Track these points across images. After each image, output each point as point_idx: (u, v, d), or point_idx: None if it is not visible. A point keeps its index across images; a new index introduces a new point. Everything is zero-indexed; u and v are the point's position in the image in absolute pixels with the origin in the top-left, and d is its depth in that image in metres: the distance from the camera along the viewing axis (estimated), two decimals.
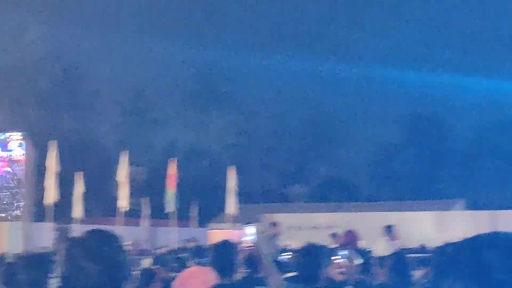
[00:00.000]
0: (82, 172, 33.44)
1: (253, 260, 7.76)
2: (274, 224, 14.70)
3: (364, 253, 9.66)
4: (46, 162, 30.94)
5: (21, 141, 30.44)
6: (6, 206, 30.08)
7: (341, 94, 72.50)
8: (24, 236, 28.58)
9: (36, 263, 5.95)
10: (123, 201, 32.03)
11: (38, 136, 41.30)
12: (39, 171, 34.56)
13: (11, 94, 60.42)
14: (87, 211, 36.65)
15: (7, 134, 31.44)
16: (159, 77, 78.10)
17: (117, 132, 68.45)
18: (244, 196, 56.78)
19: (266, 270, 5.97)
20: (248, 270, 8.62)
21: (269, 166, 69.93)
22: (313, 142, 69.87)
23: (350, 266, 5.67)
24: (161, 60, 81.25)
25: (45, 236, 31.18)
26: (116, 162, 38.71)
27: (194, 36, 75.19)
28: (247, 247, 5.49)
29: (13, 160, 30.24)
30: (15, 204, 30.18)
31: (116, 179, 34.57)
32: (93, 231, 2.78)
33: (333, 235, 18.91)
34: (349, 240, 13.00)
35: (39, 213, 36.07)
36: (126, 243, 2.83)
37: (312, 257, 5.37)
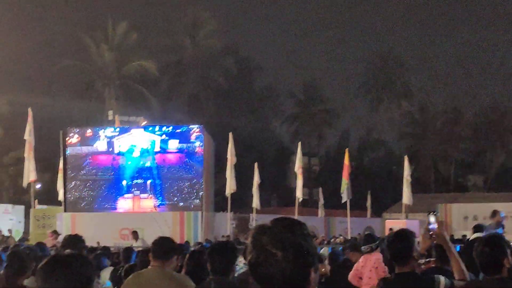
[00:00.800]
0: (257, 163, 34.00)
1: (435, 249, 7.60)
2: (494, 214, 14.57)
3: None
4: (224, 153, 31.76)
5: (199, 133, 31.38)
6: (187, 196, 31.10)
7: None
8: (204, 224, 29.46)
9: (219, 250, 6.09)
10: (299, 191, 32.35)
11: (215, 128, 42.52)
12: (217, 162, 35.58)
13: (188, 88, 62.57)
14: (264, 200, 37.26)
15: (187, 127, 32.51)
16: (332, 68, 78.32)
17: (291, 123, 69.23)
18: (419, 185, 55.94)
19: (450, 259, 5.83)
20: (428, 260, 8.46)
21: (444, 155, 68.33)
22: (489, 131, 67.53)
23: None
24: (333, 51, 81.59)
25: (225, 225, 32.05)
26: (291, 152, 39.14)
27: (366, 27, 75.13)
28: (428, 236, 5.39)
29: (192, 152, 31.21)
30: (195, 194, 31.13)
31: (293, 169, 34.90)
32: (280, 218, 2.83)
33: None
34: None
35: (218, 203, 37.13)
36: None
37: (492, 246, 5.25)
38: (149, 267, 6.59)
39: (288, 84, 70.74)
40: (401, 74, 72.00)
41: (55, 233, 21.66)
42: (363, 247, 11.01)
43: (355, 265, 10.90)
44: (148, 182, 31.08)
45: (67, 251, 4.65)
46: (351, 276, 10.76)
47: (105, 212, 29.94)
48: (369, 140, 71.17)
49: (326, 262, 8.59)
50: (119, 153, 31.48)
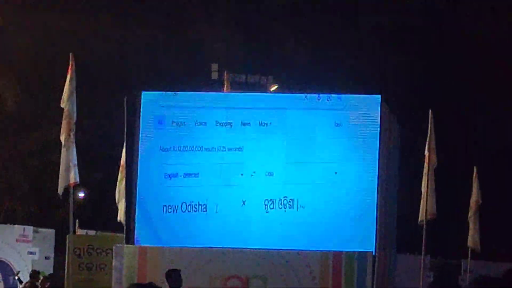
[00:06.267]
0: (476, 167, 34.13)
1: None
2: None
3: None
4: (418, 146, 31.97)
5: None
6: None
7: None
8: (379, 276, 29.85)
9: None
10: None
11: (403, 99, 42.76)
12: (404, 161, 35.86)
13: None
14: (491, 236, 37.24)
15: (351, 97, 32.73)
16: None
17: None
18: None
19: None
20: None
21: None
22: None
23: None
24: None
25: (416, 277, 32.29)
26: None
27: None
28: None
29: None
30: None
31: None
32: None
33: None
34: None
35: (403, 236, 37.44)
36: None
37: None
38: None
39: None
40: None
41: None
42: None
43: None
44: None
45: None
46: None
47: (198, 247, 30.29)
48: None
49: None
50: None
